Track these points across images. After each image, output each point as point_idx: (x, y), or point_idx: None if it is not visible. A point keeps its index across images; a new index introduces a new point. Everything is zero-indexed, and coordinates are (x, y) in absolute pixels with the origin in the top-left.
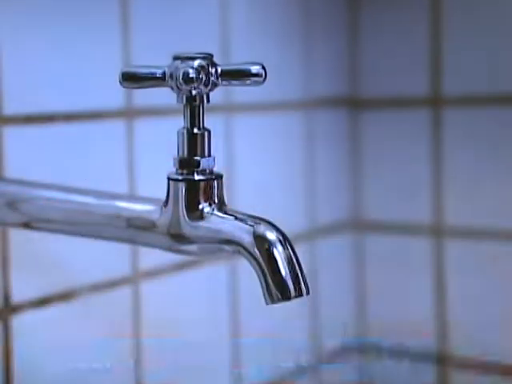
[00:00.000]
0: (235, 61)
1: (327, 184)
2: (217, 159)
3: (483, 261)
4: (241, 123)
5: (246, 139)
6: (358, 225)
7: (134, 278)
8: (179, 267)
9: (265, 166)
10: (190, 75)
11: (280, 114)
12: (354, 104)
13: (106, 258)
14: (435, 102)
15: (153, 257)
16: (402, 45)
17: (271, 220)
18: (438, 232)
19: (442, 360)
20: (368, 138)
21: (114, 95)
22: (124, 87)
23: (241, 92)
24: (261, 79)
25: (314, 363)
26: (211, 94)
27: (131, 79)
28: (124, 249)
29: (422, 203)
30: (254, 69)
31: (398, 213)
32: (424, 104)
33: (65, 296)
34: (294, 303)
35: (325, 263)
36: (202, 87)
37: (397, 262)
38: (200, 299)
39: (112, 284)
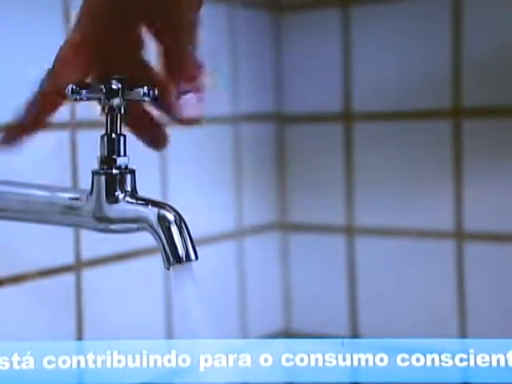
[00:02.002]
0: None
1: (255, 190)
2: (152, 166)
3: (390, 256)
4: (173, 135)
5: (179, 149)
6: (283, 225)
7: (76, 266)
8: (120, 257)
9: (196, 174)
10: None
11: (210, 127)
12: (278, 119)
13: (52, 246)
14: (347, 117)
15: (95, 246)
16: (319, 65)
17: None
18: (350, 231)
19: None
20: (292, 150)
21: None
22: None
23: None
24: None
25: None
26: None
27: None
28: (68, 238)
29: (337, 206)
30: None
31: (318, 215)
32: (338, 119)
33: (15, 279)
34: (224, 297)
35: (252, 261)
36: (115, 101)
37: (317, 259)
38: (137, 288)
39: (56, 271)
